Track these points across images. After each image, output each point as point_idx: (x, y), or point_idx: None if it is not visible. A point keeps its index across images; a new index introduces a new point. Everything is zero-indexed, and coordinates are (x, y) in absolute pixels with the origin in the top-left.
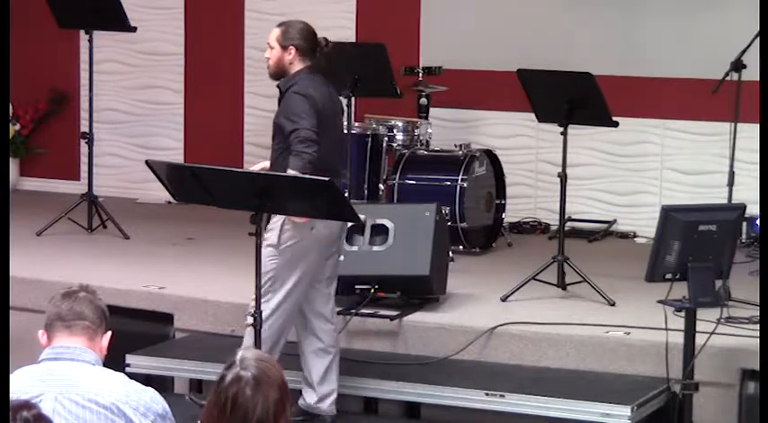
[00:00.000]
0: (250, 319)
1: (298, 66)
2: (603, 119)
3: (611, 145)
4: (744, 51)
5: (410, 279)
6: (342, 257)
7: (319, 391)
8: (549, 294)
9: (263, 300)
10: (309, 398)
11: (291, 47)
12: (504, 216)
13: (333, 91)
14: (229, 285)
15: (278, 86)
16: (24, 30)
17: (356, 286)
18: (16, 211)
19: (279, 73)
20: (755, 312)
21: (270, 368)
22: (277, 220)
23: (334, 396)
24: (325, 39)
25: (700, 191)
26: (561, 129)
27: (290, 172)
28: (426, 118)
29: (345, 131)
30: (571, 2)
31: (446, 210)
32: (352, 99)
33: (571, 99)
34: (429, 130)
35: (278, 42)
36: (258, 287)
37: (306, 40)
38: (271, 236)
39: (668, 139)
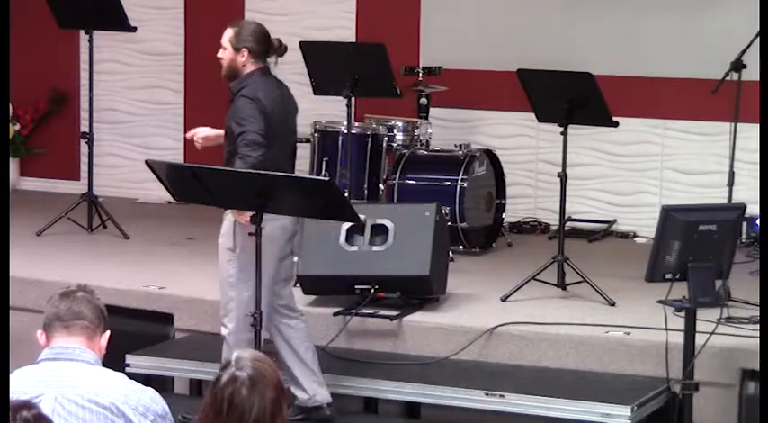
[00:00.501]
0: (224, 330)
1: (250, 67)
2: (603, 119)
3: (611, 145)
4: (744, 51)
5: (410, 279)
6: (296, 258)
7: (307, 385)
8: (549, 294)
9: (229, 306)
10: (301, 395)
11: (244, 49)
12: (504, 216)
13: (286, 92)
14: None
15: (230, 88)
16: (24, 30)
17: (356, 286)
18: (16, 211)
19: (232, 74)
20: (755, 312)
21: (266, 368)
22: (227, 224)
23: (324, 386)
24: (279, 40)
25: (700, 191)
26: (561, 129)
27: None
28: (426, 118)
29: (346, 132)
30: (571, 2)
31: (446, 210)
32: (352, 99)
33: (571, 99)
34: (429, 130)
35: (231, 44)
36: (258, 287)
37: (259, 42)
38: (224, 240)
39: (668, 139)
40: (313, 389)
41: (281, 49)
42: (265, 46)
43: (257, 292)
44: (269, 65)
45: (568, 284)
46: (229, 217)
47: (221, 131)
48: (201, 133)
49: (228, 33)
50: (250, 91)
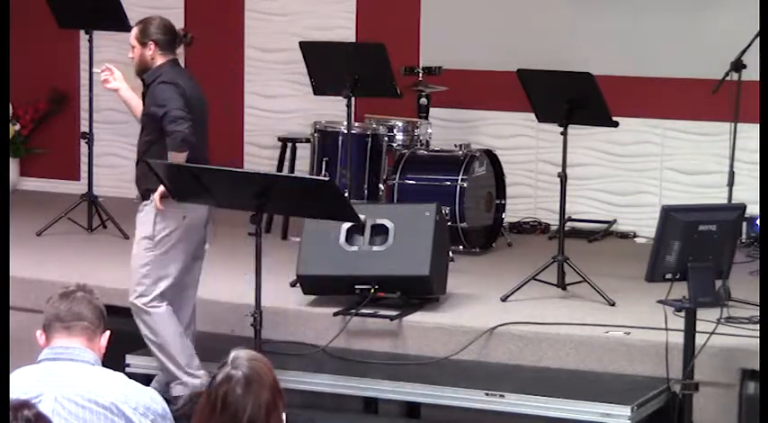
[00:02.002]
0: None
1: (160, 59)
2: (603, 119)
3: (611, 145)
4: (744, 51)
5: (410, 279)
6: (208, 245)
7: (191, 371)
8: (549, 294)
9: (140, 291)
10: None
11: (151, 42)
12: (504, 216)
13: (197, 83)
14: (229, 285)
15: (143, 80)
16: (24, 30)
17: (356, 286)
18: (16, 211)
19: (143, 69)
20: (755, 312)
21: (262, 367)
22: (147, 213)
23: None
24: (184, 31)
25: (700, 191)
26: (561, 129)
27: (170, 154)
28: (426, 118)
29: (346, 132)
30: (571, 2)
31: (446, 210)
32: (352, 99)
33: (571, 99)
34: (429, 130)
35: (137, 40)
36: (258, 287)
37: (164, 33)
38: (144, 228)
39: (668, 139)
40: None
41: (186, 39)
42: (171, 37)
43: (256, 291)
44: (177, 57)
45: (568, 284)
46: (148, 208)
47: (134, 97)
48: (118, 76)
49: (134, 31)
50: (167, 78)
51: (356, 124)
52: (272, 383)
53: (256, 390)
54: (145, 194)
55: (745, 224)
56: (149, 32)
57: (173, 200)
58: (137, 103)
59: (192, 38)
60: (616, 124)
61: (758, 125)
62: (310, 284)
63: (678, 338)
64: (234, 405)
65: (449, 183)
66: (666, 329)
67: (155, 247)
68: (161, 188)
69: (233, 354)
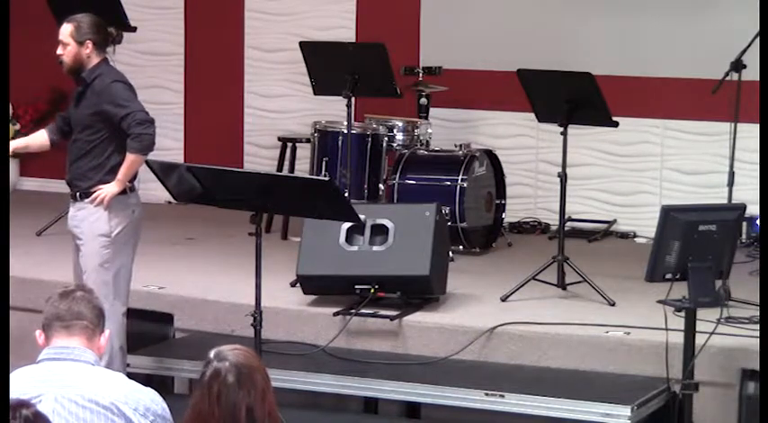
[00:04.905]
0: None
1: (95, 58)
2: (603, 119)
3: (611, 145)
4: (744, 51)
5: (410, 279)
6: None
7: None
8: (549, 294)
9: (112, 290)
10: None
11: (88, 41)
12: (504, 216)
13: None
14: (229, 285)
15: (82, 78)
16: (24, 30)
17: (356, 286)
18: (16, 211)
19: (77, 68)
20: (755, 312)
21: (247, 355)
22: (95, 211)
23: None
24: (115, 29)
25: (700, 191)
26: (561, 129)
27: (134, 156)
28: (426, 118)
29: (346, 132)
30: (571, 2)
31: (446, 210)
32: (352, 99)
33: (571, 99)
34: (429, 130)
35: (73, 39)
36: (258, 286)
37: (99, 33)
38: (98, 226)
39: (668, 139)
40: None
41: (118, 38)
42: (105, 36)
43: (257, 291)
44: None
45: (568, 284)
46: (88, 208)
47: (24, 140)
48: (14, 145)
49: (68, 29)
50: (116, 76)
51: (356, 124)
52: (260, 367)
53: (248, 375)
54: (87, 193)
55: (745, 224)
56: (85, 31)
57: (120, 196)
58: (32, 141)
59: (122, 36)
60: (616, 124)
61: (758, 125)
62: (310, 284)
63: (678, 338)
64: (232, 396)
65: (449, 183)
66: (666, 329)
67: (112, 244)
68: (113, 188)
69: (214, 350)
